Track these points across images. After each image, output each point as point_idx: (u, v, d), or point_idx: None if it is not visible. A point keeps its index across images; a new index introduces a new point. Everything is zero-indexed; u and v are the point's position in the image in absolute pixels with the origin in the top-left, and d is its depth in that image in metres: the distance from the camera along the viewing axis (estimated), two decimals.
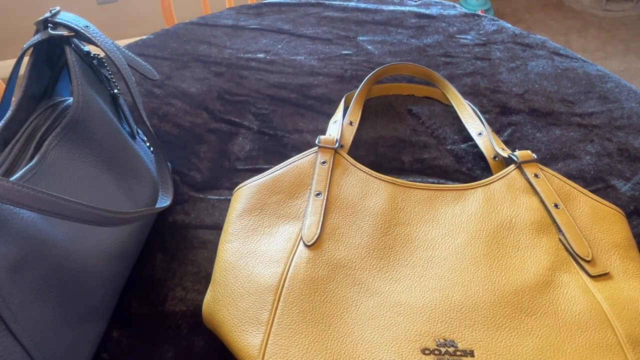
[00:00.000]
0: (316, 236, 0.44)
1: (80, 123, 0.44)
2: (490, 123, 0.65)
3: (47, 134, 0.42)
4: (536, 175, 0.50)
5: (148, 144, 0.55)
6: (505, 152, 0.54)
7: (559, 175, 0.51)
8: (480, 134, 0.59)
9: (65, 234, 0.39)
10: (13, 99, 0.44)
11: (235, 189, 0.50)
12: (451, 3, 0.91)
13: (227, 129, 0.64)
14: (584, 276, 0.43)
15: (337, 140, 0.53)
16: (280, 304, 0.40)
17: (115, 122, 0.48)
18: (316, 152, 0.52)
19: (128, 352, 0.42)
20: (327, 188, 0.49)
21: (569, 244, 0.45)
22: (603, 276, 0.43)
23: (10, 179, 0.35)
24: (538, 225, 0.47)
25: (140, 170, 0.49)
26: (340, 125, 0.57)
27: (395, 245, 0.45)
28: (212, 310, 0.42)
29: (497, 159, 0.56)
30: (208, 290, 0.43)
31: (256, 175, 0.53)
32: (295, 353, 0.38)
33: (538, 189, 0.49)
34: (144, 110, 0.50)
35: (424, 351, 0.38)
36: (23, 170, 0.38)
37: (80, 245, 0.40)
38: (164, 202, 0.48)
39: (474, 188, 0.50)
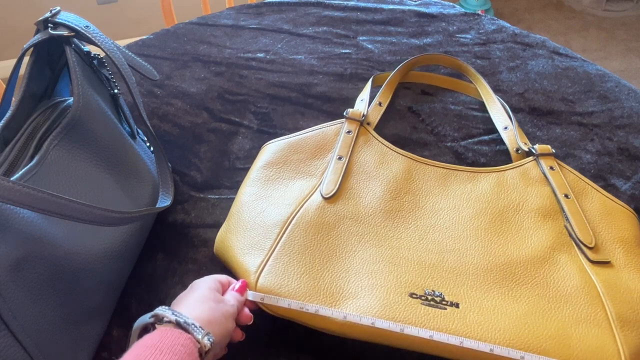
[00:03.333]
0: (333, 191, 0.48)
1: (81, 123, 0.44)
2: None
3: (47, 134, 0.42)
4: (552, 168, 0.52)
5: (148, 144, 0.55)
6: (526, 146, 0.56)
7: (576, 172, 0.52)
8: (506, 127, 0.61)
9: (66, 234, 0.39)
10: (13, 99, 0.44)
11: (264, 145, 0.54)
12: (451, 3, 0.91)
13: (227, 129, 0.64)
14: (584, 259, 0.45)
15: (363, 114, 0.56)
16: (284, 237, 0.44)
17: (115, 122, 0.48)
18: (343, 122, 0.55)
19: None
20: (349, 154, 0.52)
21: (573, 230, 0.47)
22: (604, 264, 0.44)
23: (11, 179, 0.35)
24: (545, 211, 0.48)
25: (140, 170, 0.49)
26: (366, 103, 0.60)
27: (402, 209, 0.48)
28: (223, 238, 0.46)
29: (519, 152, 0.58)
30: (224, 224, 0.48)
31: None
32: (289, 276, 0.42)
33: (551, 180, 0.51)
34: (144, 110, 0.50)
35: (411, 295, 0.41)
36: (23, 170, 0.38)
37: (80, 245, 0.40)
38: (164, 201, 0.48)
39: (488, 172, 0.52)
